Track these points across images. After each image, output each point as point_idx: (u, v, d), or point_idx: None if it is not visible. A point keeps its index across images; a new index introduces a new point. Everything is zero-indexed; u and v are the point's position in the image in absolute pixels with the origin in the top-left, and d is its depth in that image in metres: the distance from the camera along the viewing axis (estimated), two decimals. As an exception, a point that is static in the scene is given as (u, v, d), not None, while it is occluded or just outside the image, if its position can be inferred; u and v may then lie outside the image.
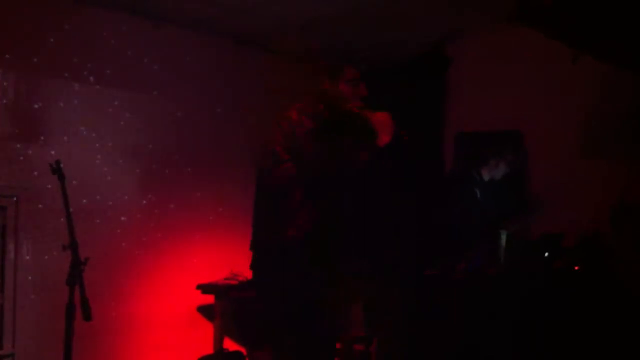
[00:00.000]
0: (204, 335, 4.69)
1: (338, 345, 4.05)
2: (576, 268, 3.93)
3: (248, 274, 3.81)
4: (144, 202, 4.68)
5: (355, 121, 3.16)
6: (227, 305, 4.56)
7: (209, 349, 4.51)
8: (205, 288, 4.57)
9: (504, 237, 3.86)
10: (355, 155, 3.18)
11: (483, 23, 4.90)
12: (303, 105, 3.22)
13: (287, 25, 4.89)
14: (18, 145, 4.09)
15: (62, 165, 3.13)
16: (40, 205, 4.11)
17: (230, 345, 4.75)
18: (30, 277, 4.09)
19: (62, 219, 3.12)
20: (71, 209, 3.06)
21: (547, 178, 4.79)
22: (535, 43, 4.26)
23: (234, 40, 5.13)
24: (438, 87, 5.55)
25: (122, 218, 4.55)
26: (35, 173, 4.09)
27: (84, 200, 4.27)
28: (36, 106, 4.18)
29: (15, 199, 4.06)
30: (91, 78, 4.41)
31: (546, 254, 3.93)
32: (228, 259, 4.68)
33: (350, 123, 3.17)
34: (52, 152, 4.09)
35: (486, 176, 4.39)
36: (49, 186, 3.75)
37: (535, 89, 4.88)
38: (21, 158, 4.09)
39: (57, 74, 4.26)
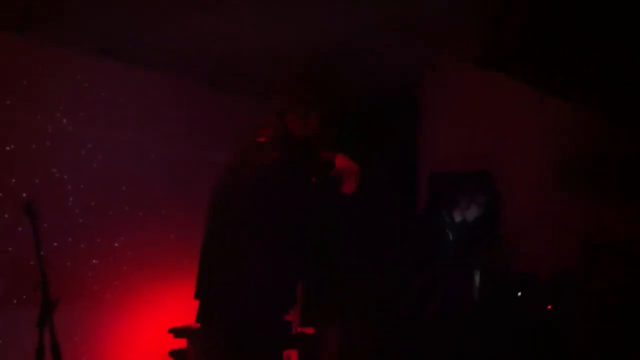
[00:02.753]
0: (176, 380, 4.60)
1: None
2: (549, 307, 3.95)
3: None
4: (117, 244, 4.63)
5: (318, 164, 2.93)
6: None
7: (181, 394, 4.42)
8: (177, 331, 4.50)
9: (477, 276, 3.88)
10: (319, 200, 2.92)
11: (453, 64, 5.01)
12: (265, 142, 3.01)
13: (259, 70, 4.94)
14: (-11, 187, 4.06)
15: (33, 207, 3.11)
16: (10, 248, 4.06)
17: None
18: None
19: (32, 262, 3.09)
20: (42, 252, 3.03)
21: (518, 217, 4.84)
22: (505, 84, 4.35)
23: (208, 82, 5.18)
24: (409, 128, 5.63)
25: (94, 261, 4.49)
26: (6, 215, 4.05)
27: (55, 243, 4.22)
28: (8, 148, 4.15)
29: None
30: (64, 120, 4.41)
31: (519, 293, 3.95)
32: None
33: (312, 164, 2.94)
34: (24, 194, 4.06)
35: (458, 218, 4.43)
36: (20, 228, 3.70)
37: (506, 129, 4.97)
38: (-8, 200, 4.06)
39: (30, 116, 4.25)
